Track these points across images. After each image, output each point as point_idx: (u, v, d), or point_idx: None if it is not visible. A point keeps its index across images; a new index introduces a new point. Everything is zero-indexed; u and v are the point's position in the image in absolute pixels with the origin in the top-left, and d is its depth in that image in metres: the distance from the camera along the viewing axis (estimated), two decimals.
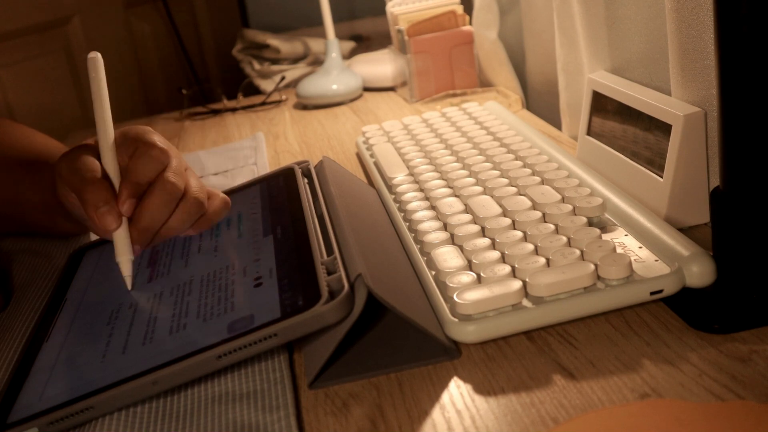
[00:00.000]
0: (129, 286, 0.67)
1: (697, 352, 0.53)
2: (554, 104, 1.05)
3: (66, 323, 0.66)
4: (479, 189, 0.75)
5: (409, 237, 0.70)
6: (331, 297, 0.55)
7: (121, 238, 0.67)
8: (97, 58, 0.72)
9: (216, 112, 1.45)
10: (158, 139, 0.71)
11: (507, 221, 0.67)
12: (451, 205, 0.73)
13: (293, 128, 1.28)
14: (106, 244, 0.81)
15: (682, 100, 0.70)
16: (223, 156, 1.16)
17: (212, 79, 2.14)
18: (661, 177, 0.69)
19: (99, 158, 0.70)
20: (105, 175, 0.69)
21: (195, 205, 0.70)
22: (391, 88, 1.41)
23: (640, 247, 0.61)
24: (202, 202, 0.71)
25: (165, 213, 0.68)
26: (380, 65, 1.43)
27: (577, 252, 0.60)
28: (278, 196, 0.76)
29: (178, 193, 0.69)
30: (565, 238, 0.62)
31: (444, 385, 0.54)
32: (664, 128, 0.69)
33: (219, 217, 0.74)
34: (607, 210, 0.67)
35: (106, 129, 0.71)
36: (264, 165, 1.08)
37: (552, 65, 1.04)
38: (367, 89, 1.43)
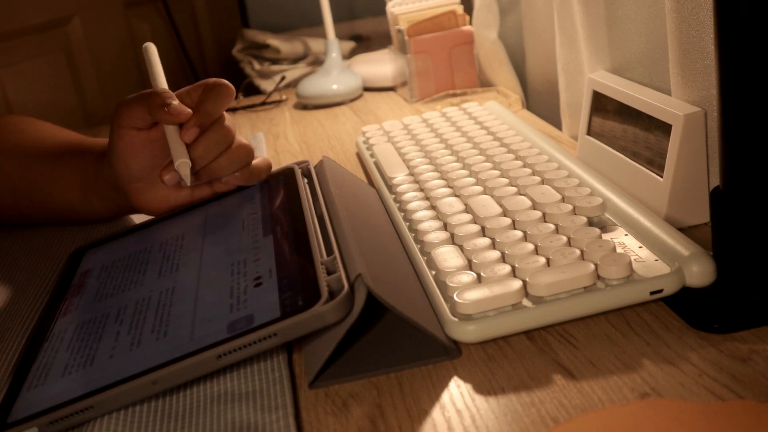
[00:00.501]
0: (187, 184, 0.76)
1: (697, 352, 0.53)
2: (554, 104, 1.05)
3: (66, 323, 0.66)
4: (479, 189, 0.75)
5: (409, 237, 0.70)
6: (331, 297, 0.55)
7: (178, 144, 0.76)
8: (149, 48, 0.83)
9: None
10: (222, 79, 0.80)
11: (507, 221, 0.67)
12: (451, 204, 0.73)
13: (293, 128, 1.28)
14: (106, 243, 0.81)
15: (682, 99, 0.70)
16: None
17: None
18: (661, 177, 0.69)
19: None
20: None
21: (243, 149, 0.79)
22: (391, 88, 1.41)
23: (640, 247, 0.61)
24: (250, 150, 0.79)
25: (217, 150, 0.77)
26: (380, 65, 1.43)
27: (577, 252, 0.60)
28: (278, 196, 0.76)
29: (232, 136, 0.78)
30: (565, 238, 0.62)
31: (444, 384, 0.54)
32: (664, 128, 0.69)
33: (261, 173, 0.81)
34: (607, 210, 0.67)
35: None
36: None
37: (552, 65, 1.04)
38: (367, 89, 1.43)
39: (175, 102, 0.76)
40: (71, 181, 0.87)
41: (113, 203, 0.85)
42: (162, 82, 0.81)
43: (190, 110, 0.77)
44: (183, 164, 0.75)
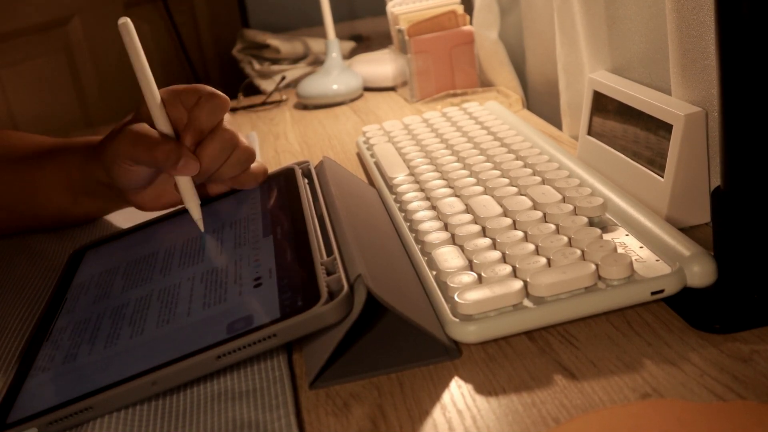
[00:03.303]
0: (201, 228, 0.74)
1: (698, 352, 0.53)
2: (555, 104, 1.05)
3: (66, 323, 0.66)
4: (480, 189, 0.75)
5: (409, 237, 0.70)
6: (331, 297, 0.55)
7: (187, 186, 0.74)
8: (127, 24, 0.75)
9: None
10: (216, 90, 0.76)
11: (508, 221, 0.67)
12: (451, 205, 0.73)
13: (293, 128, 1.27)
14: (106, 243, 0.81)
15: (683, 99, 0.70)
16: None
17: (212, 79, 2.14)
18: (662, 177, 0.69)
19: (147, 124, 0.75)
20: (162, 135, 0.74)
21: (246, 153, 0.76)
22: (392, 88, 1.41)
23: (641, 247, 0.61)
24: (252, 153, 0.77)
25: (222, 158, 0.74)
26: (381, 65, 1.43)
27: (578, 252, 0.60)
28: (278, 197, 0.76)
29: (235, 141, 0.75)
30: (565, 238, 0.62)
31: (445, 385, 0.54)
32: (665, 128, 0.69)
33: (258, 177, 0.79)
34: (607, 210, 0.67)
35: (152, 89, 0.75)
36: None
37: (552, 65, 1.04)
38: (367, 89, 1.43)
39: (182, 161, 0.72)
40: (56, 186, 0.85)
41: (106, 202, 0.85)
42: (143, 63, 0.75)
43: (197, 162, 0.73)
44: (192, 207, 0.74)
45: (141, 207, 0.81)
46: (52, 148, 0.87)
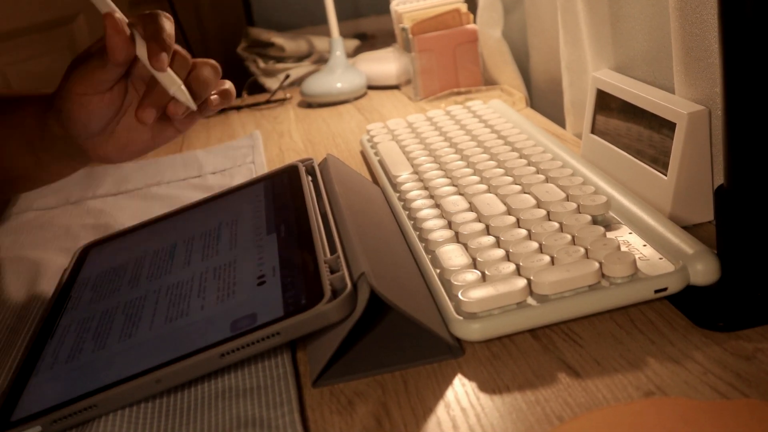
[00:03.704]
0: (193, 106, 0.71)
1: (701, 350, 0.53)
2: (558, 102, 1.05)
3: (70, 321, 0.66)
4: (484, 187, 0.75)
5: (413, 235, 0.70)
6: (334, 296, 0.55)
7: (167, 74, 0.70)
8: None
9: (220, 111, 1.45)
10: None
11: (511, 219, 0.67)
12: (455, 203, 0.73)
13: (298, 126, 1.28)
14: (110, 241, 0.81)
15: (686, 98, 0.70)
16: (221, 155, 1.16)
17: None
18: (665, 175, 0.69)
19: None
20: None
21: (207, 66, 0.74)
22: (396, 87, 1.41)
23: (645, 245, 0.61)
24: (215, 65, 0.76)
25: (184, 72, 0.72)
26: (384, 63, 1.43)
27: (582, 250, 0.60)
28: (282, 194, 0.76)
29: (189, 57, 0.73)
30: (569, 236, 0.62)
31: (449, 383, 0.54)
32: (668, 126, 0.69)
33: (231, 95, 0.77)
34: (611, 208, 0.67)
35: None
36: (261, 163, 1.08)
37: (556, 63, 1.04)
38: (371, 87, 1.43)
39: (162, 54, 0.70)
40: (15, 146, 0.78)
41: (69, 158, 0.78)
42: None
43: (162, 49, 0.70)
44: (180, 90, 0.70)
45: (107, 159, 0.76)
46: (6, 100, 0.80)
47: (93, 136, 0.73)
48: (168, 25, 0.73)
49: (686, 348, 0.53)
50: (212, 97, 0.74)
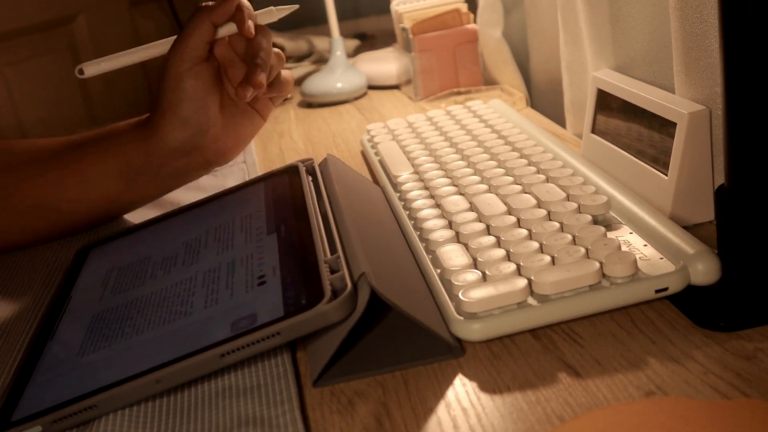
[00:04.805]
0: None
1: (702, 350, 0.53)
2: (558, 102, 1.05)
3: (70, 321, 0.66)
4: (484, 187, 0.75)
5: (414, 235, 0.70)
6: (334, 296, 0.55)
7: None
8: None
9: None
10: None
11: (512, 219, 0.67)
12: (456, 203, 0.73)
13: (298, 126, 1.28)
14: (110, 241, 0.81)
15: (687, 98, 0.70)
16: None
17: None
18: (666, 175, 0.69)
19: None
20: None
21: (275, 54, 0.87)
22: (396, 87, 1.41)
23: (645, 245, 0.61)
24: (280, 54, 0.89)
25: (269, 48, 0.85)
26: (385, 63, 1.43)
27: (582, 250, 0.60)
28: (282, 194, 0.76)
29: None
30: (570, 236, 0.62)
31: (449, 383, 0.54)
32: (669, 126, 0.69)
33: (290, 81, 0.90)
34: (611, 208, 0.67)
35: None
36: (253, 163, 1.08)
37: (556, 63, 1.04)
38: (371, 87, 1.43)
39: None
40: (106, 174, 0.84)
41: (171, 176, 0.85)
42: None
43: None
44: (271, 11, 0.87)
45: (224, 151, 0.85)
46: (92, 141, 0.86)
47: (212, 125, 0.83)
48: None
49: (687, 348, 0.53)
50: (284, 73, 0.86)
